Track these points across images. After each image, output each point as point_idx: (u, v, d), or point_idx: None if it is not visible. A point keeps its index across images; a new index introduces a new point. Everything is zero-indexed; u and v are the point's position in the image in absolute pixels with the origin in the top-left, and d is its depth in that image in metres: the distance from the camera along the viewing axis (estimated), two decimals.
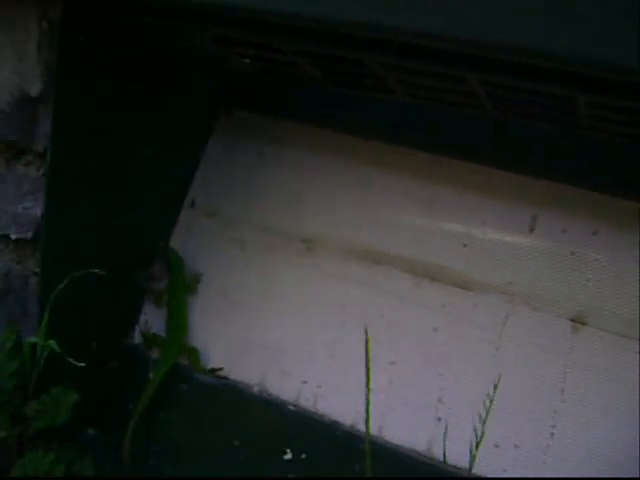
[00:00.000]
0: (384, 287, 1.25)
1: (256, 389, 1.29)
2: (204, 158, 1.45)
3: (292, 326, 1.30)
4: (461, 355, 1.18)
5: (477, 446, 1.02)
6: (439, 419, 1.16)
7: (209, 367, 1.32)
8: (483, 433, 1.02)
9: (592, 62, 0.72)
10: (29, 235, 1.25)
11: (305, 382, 1.27)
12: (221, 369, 1.32)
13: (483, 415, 1.02)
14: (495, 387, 1.04)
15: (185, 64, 1.32)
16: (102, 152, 1.24)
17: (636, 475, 1.03)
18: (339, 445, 1.21)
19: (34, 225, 1.24)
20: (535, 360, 1.14)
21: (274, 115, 1.39)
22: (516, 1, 0.74)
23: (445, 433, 1.11)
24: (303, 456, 1.23)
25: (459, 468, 1.12)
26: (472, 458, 1.04)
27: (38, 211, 1.23)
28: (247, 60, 1.18)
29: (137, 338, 1.40)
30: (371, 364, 1.02)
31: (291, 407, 1.26)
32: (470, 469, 1.07)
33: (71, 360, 1.09)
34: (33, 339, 1.15)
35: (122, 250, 1.32)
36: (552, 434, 1.11)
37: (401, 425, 1.19)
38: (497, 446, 1.12)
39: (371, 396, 1.03)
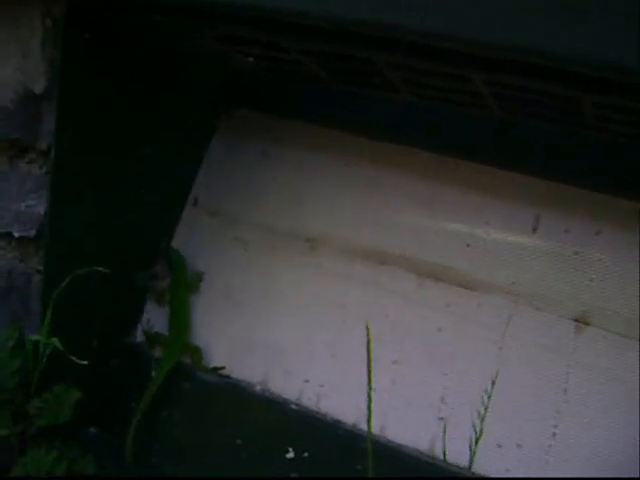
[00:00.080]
0: (387, 287, 1.25)
1: (258, 388, 1.29)
2: (206, 157, 1.45)
3: (295, 325, 1.30)
4: (464, 355, 1.18)
5: (476, 442, 1.03)
6: (442, 419, 1.16)
7: (211, 366, 1.32)
8: (482, 430, 1.02)
9: (592, 62, 0.72)
10: (32, 233, 1.25)
11: (307, 381, 1.27)
12: (223, 368, 1.32)
13: (482, 412, 1.02)
14: (493, 383, 1.05)
15: (188, 63, 1.32)
16: (106, 150, 1.24)
17: (638, 475, 1.03)
18: (341, 444, 1.21)
19: (37, 223, 1.24)
20: (538, 360, 1.14)
21: (276, 114, 1.39)
22: (516, 1, 0.74)
23: (444, 432, 1.11)
24: (305, 455, 1.23)
25: (461, 468, 1.12)
26: (472, 454, 1.04)
27: (41, 209, 1.23)
28: (251, 59, 1.18)
29: (139, 337, 1.40)
30: (373, 363, 1.03)
31: (293, 406, 1.26)
32: (470, 466, 1.07)
33: (74, 358, 1.10)
34: (36, 337, 1.15)
35: (124, 249, 1.32)
36: (554, 434, 1.11)
37: (404, 424, 1.19)
38: (500, 446, 1.13)
39: (373, 395, 1.03)
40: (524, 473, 1.11)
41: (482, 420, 1.02)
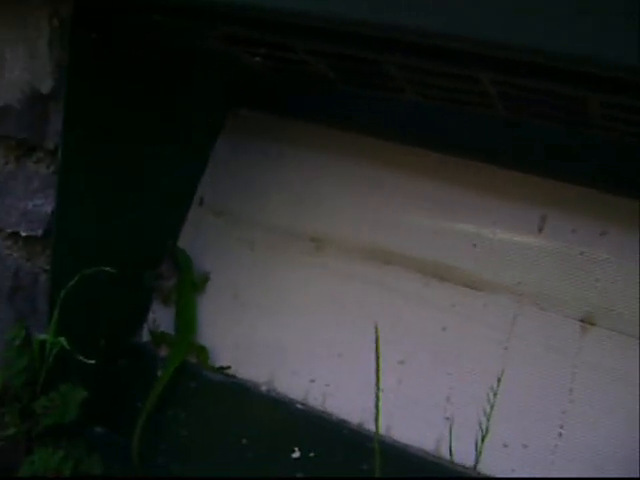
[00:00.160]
0: (393, 287, 1.25)
1: (264, 387, 1.29)
2: (213, 157, 1.45)
3: (300, 325, 1.31)
4: (470, 355, 1.18)
5: (482, 440, 1.03)
6: (448, 419, 1.16)
7: (217, 365, 1.32)
8: (488, 430, 1.02)
9: (592, 61, 0.72)
10: (39, 232, 1.25)
11: (313, 381, 1.27)
12: (229, 367, 1.32)
13: (488, 412, 1.02)
14: (499, 380, 1.05)
15: (194, 64, 1.32)
16: (112, 150, 1.24)
17: None
18: (347, 444, 1.21)
19: (44, 222, 1.24)
20: (544, 360, 1.14)
21: (283, 114, 1.40)
22: (516, 1, 0.74)
23: (451, 432, 1.11)
24: (311, 455, 1.23)
25: (467, 467, 1.12)
26: (478, 454, 1.04)
27: (48, 208, 1.23)
28: (258, 58, 1.18)
29: (145, 336, 1.40)
30: (381, 363, 1.03)
31: (299, 406, 1.26)
32: (476, 465, 1.07)
33: (80, 357, 1.10)
34: (42, 336, 1.15)
35: (131, 248, 1.33)
36: (560, 434, 1.11)
37: (409, 424, 1.19)
38: (505, 446, 1.13)
39: (380, 394, 1.03)
40: (530, 473, 1.12)
41: (488, 420, 1.02)
